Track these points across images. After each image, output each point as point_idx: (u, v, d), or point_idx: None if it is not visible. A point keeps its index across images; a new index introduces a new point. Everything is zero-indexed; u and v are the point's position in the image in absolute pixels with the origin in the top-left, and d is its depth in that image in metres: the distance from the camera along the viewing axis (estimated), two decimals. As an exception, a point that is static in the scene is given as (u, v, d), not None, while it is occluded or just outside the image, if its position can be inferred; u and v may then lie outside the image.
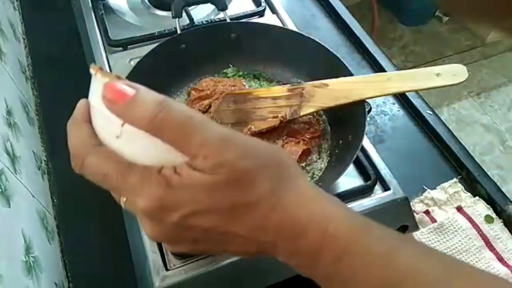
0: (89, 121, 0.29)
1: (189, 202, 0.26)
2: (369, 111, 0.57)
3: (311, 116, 0.61)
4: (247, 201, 0.27)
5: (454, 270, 0.27)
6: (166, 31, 0.74)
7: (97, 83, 0.28)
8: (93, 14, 0.79)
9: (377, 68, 0.80)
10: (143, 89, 0.27)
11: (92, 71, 0.29)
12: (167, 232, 0.28)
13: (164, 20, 0.80)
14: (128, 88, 0.27)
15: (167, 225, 0.27)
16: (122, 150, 0.28)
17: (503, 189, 0.65)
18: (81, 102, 0.30)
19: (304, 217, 0.28)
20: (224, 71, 0.68)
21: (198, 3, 0.76)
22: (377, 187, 0.56)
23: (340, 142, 0.59)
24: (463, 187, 0.65)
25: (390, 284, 0.26)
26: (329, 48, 0.62)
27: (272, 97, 0.59)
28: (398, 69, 0.79)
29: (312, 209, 0.28)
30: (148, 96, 0.27)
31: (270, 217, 0.27)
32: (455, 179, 0.66)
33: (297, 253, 0.28)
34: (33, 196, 0.62)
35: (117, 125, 0.27)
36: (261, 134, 0.59)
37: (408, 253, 0.27)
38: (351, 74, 0.58)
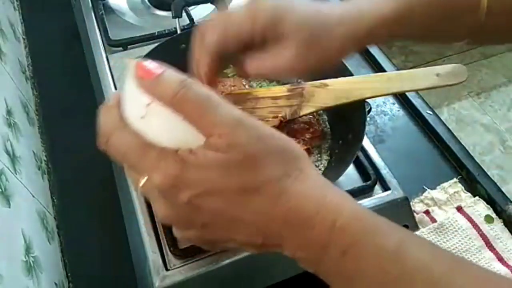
0: (119, 107, 0.31)
1: (201, 181, 0.27)
2: (369, 111, 0.57)
3: (311, 116, 0.61)
4: (257, 184, 0.27)
5: (459, 267, 0.27)
6: (166, 31, 0.74)
7: (130, 69, 0.31)
8: (93, 14, 0.79)
9: (377, 68, 0.80)
10: (169, 69, 0.30)
11: (126, 61, 0.32)
12: (178, 212, 0.29)
13: (164, 20, 0.80)
14: (156, 67, 0.30)
15: (179, 205, 0.28)
16: (145, 130, 0.30)
17: (503, 189, 0.65)
18: (114, 93, 0.32)
19: (312, 208, 0.28)
20: (224, 71, 0.68)
21: (198, 3, 0.76)
22: (377, 187, 0.56)
23: (340, 142, 0.59)
24: (463, 187, 0.65)
25: (397, 279, 0.27)
26: (329, 48, 0.62)
27: (272, 97, 0.59)
28: (398, 69, 0.79)
29: (320, 201, 0.28)
30: (173, 74, 0.29)
31: (278, 204, 0.27)
32: (455, 179, 0.66)
33: (304, 245, 0.28)
34: (33, 196, 0.62)
35: (142, 105, 0.29)
36: (261, 134, 0.58)
37: (415, 249, 0.28)
38: (351, 74, 0.58)
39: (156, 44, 0.64)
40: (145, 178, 0.29)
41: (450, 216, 0.62)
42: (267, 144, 0.28)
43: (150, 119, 0.29)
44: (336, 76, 0.57)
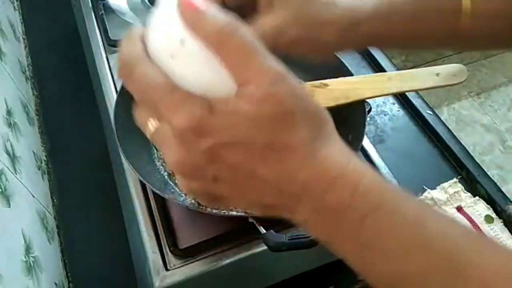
0: (143, 40, 0.28)
1: (228, 130, 0.26)
2: (369, 111, 0.57)
3: (311, 116, 0.61)
4: (288, 142, 0.26)
5: (481, 241, 0.27)
6: (166, 31, 0.74)
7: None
8: (93, 14, 0.79)
9: (377, 68, 0.80)
10: (216, 7, 0.28)
11: None
12: (192, 159, 0.27)
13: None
14: (202, 1, 0.27)
15: (194, 151, 0.26)
16: (172, 70, 0.27)
17: (503, 189, 0.65)
18: (137, 26, 0.29)
19: (336, 171, 0.27)
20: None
21: (198, 3, 0.75)
22: (377, 187, 0.56)
23: (340, 142, 0.59)
24: (463, 187, 0.65)
25: (417, 246, 0.26)
26: (329, 48, 0.62)
27: (272, 97, 0.59)
28: (398, 69, 0.79)
29: (345, 165, 0.27)
30: (219, 12, 0.27)
31: (304, 165, 0.26)
32: (455, 179, 0.66)
33: (321, 209, 0.27)
34: (33, 196, 0.62)
35: (176, 41, 0.27)
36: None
37: (436, 217, 0.27)
38: (351, 74, 0.58)
39: (156, 44, 0.64)
40: (160, 122, 0.27)
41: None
42: (303, 103, 0.27)
43: (181, 58, 0.27)
44: (336, 76, 0.57)
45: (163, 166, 0.58)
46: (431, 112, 0.74)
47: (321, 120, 0.28)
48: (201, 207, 0.53)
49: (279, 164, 0.26)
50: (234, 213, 0.53)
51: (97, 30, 0.76)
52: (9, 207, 0.53)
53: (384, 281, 0.27)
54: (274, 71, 0.26)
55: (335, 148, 0.28)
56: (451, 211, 0.63)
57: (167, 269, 0.50)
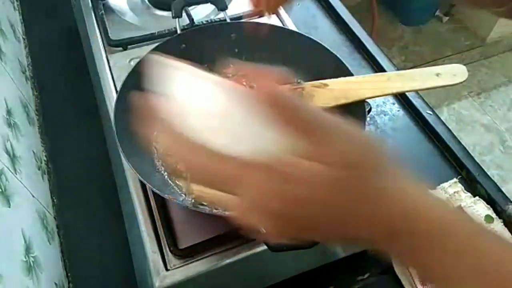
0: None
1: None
2: (369, 111, 0.57)
3: (311, 116, 0.61)
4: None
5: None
6: (166, 31, 0.74)
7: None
8: (93, 14, 0.79)
9: (377, 68, 0.80)
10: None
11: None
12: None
13: (164, 20, 0.80)
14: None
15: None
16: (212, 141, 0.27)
17: (503, 189, 0.65)
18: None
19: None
20: (224, 71, 0.68)
21: (198, 3, 0.76)
22: (377, 187, 0.56)
23: (340, 142, 0.59)
24: (463, 187, 0.65)
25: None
26: (329, 48, 0.62)
27: (272, 97, 0.59)
28: (398, 69, 0.79)
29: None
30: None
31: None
32: (455, 179, 0.66)
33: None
34: (33, 196, 0.62)
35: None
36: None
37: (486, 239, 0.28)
38: (351, 74, 0.58)
39: (156, 44, 0.64)
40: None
41: (450, 216, 0.62)
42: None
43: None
44: (336, 76, 0.57)
45: (163, 166, 0.58)
46: (431, 112, 0.74)
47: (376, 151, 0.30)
48: (201, 207, 0.53)
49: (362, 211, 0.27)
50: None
51: (97, 30, 0.76)
52: (9, 207, 0.53)
53: None
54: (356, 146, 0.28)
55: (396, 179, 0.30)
56: (451, 211, 0.63)
57: (167, 269, 0.50)
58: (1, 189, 0.52)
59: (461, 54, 2.17)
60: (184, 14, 0.74)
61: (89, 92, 0.73)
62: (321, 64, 0.62)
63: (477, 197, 0.64)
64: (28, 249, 0.54)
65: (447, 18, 2.27)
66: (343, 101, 0.55)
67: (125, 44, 0.73)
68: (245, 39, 0.67)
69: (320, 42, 0.62)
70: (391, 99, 0.77)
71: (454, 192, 0.65)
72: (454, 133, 0.72)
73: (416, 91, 0.75)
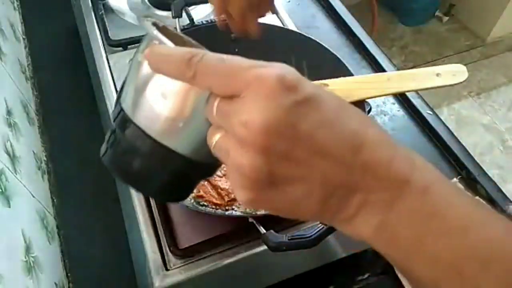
0: None
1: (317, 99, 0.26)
2: (369, 111, 0.57)
3: (311, 116, 0.61)
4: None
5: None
6: (166, 31, 0.74)
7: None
8: (93, 14, 0.79)
9: (377, 68, 0.80)
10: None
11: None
12: (278, 118, 0.24)
13: (164, 20, 0.80)
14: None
15: (283, 106, 0.24)
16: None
17: (503, 189, 0.65)
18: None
19: (390, 150, 0.28)
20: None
21: (198, 3, 0.76)
22: (377, 187, 0.56)
23: (340, 142, 0.59)
24: (463, 187, 0.65)
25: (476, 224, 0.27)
26: (329, 48, 0.62)
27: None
28: (398, 69, 0.79)
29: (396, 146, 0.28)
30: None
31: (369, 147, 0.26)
32: (455, 179, 0.66)
33: (382, 185, 0.26)
34: (33, 196, 0.62)
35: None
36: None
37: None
38: (351, 74, 0.58)
39: (156, 44, 0.64)
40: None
41: (450, 216, 0.62)
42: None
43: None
44: (336, 76, 0.57)
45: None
46: (431, 112, 0.74)
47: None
48: (201, 207, 0.53)
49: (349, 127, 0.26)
50: (234, 213, 0.53)
51: (97, 30, 0.76)
52: (9, 207, 0.53)
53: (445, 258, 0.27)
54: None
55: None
56: (451, 211, 0.63)
57: (167, 269, 0.50)
58: (1, 189, 0.52)
59: (461, 54, 2.18)
60: (184, 14, 0.74)
61: (89, 92, 0.73)
62: (321, 64, 0.62)
63: (477, 197, 0.64)
64: (28, 249, 0.54)
65: (447, 18, 2.27)
66: (343, 101, 0.55)
67: (125, 44, 0.73)
68: (245, 39, 0.67)
69: (320, 42, 0.62)
70: (391, 99, 0.77)
71: (454, 192, 0.65)
72: (454, 133, 0.72)
73: (416, 91, 0.75)
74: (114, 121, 0.32)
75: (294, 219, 0.29)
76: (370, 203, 0.27)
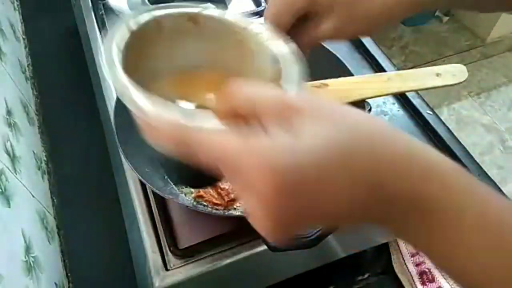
0: None
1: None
2: (369, 111, 0.57)
3: (311, 116, 0.61)
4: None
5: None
6: (166, 31, 0.74)
7: None
8: (93, 14, 0.79)
9: (377, 68, 0.80)
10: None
11: None
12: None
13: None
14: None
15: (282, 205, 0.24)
16: None
17: (503, 189, 0.65)
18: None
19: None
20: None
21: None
22: (377, 187, 0.56)
23: (340, 142, 0.59)
24: (463, 187, 0.65)
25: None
26: (329, 48, 0.62)
27: (272, 97, 0.59)
28: (398, 69, 0.79)
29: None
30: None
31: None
32: (455, 179, 0.66)
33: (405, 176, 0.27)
34: (33, 196, 0.62)
35: None
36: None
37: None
38: (351, 74, 0.58)
39: (156, 44, 0.64)
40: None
41: (450, 216, 0.62)
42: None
43: None
44: (336, 76, 0.57)
45: (163, 166, 0.58)
46: (431, 112, 0.74)
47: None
48: (201, 207, 0.53)
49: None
50: (234, 213, 0.53)
51: (97, 30, 0.76)
52: (9, 207, 0.53)
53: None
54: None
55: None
56: (451, 211, 0.63)
57: (167, 269, 0.50)
58: (1, 189, 0.52)
59: (461, 54, 2.17)
60: (184, 14, 0.74)
61: (89, 92, 0.73)
62: (321, 64, 0.62)
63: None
64: (28, 249, 0.54)
65: (447, 18, 2.27)
66: (343, 101, 0.55)
67: (125, 44, 0.73)
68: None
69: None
70: (391, 99, 0.77)
71: (454, 192, 0.65)
72: (454, 133, 0.72)
73: (416, 91, 0.75)
74: None
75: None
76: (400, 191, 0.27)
